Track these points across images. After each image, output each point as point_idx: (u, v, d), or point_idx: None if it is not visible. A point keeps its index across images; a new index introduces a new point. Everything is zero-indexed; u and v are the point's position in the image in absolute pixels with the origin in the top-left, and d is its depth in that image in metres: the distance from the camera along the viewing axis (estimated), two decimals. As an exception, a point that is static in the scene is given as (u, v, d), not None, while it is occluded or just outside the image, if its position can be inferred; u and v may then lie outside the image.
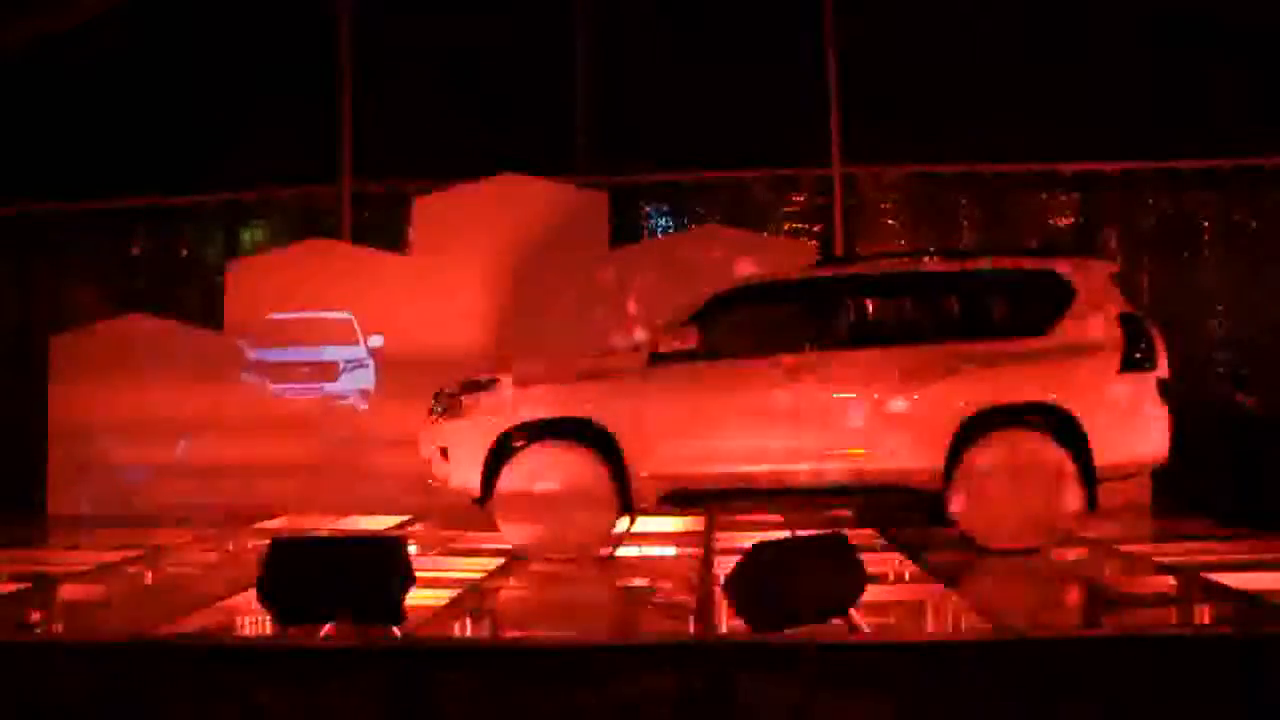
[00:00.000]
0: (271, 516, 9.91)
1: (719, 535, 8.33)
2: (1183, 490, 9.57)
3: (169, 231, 12.16)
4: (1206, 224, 11.17)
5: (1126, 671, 4.86)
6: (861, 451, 7.68)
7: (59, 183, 11.87)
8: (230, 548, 8.72)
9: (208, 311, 11.54)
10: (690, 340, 7.82)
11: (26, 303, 12.26)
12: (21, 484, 11.34)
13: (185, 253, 12.18)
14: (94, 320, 11.55)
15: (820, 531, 6.37)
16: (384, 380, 10.71)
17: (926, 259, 8.51)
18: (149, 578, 7.84)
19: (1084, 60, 10.89)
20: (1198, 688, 4.81)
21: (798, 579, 5.50)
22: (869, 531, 8.36)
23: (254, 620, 5.85)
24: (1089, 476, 7.58)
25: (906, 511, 8.24)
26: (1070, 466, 7.55)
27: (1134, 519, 9.41)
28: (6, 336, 12.21)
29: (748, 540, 6.16)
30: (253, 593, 5.74)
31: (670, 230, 11.72)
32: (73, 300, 12.13)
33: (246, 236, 12.24)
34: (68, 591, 7.07)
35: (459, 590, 6.83)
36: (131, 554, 8.24)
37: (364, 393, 10.94)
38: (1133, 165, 11.09)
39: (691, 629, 5.82)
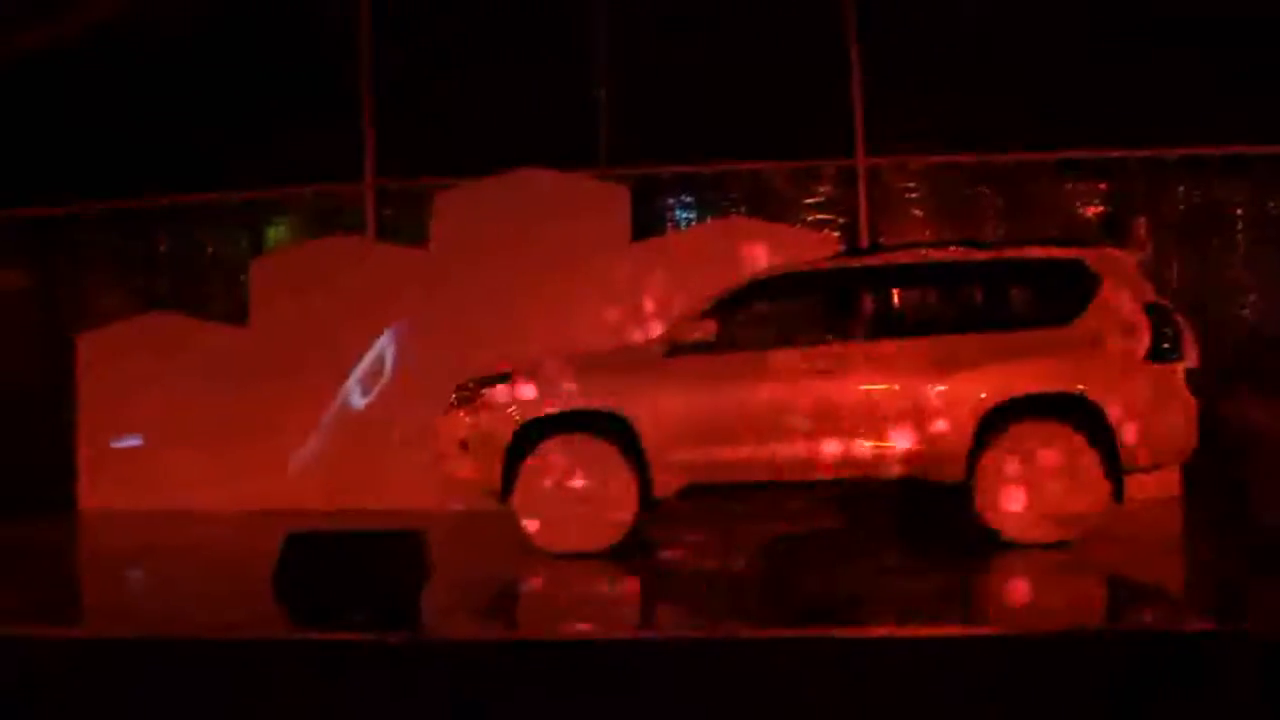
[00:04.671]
0: (294, 512, 9.95)
1: (742, 527, 8.32)
2: (1213, 482, 9.43)
3: (193, 230, 12.19)
4: (1237, 212, 10.99)
5: (1137, 667, 4.79)
6: (883, 443, 7.62)
7: (83, 183, 11.94)
8: (249, 543, 8.74)
9: (232, 309, 11.60)
10: (709, 331, 7.79)
11: (53, 303, 12.36)
12: (54, 481, 11.46)
13: (209, 251, 12.23)
14: (120, 319, 11.65)
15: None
16: (406, 375, 10.70)
17: (950, 249, 8.42)
18: (169, 573, 7.89)
19: (1109, 46, 10.71)
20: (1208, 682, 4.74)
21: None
22: (891, 523, 8.31)
23: (270, 616, 5.84)
24: (1115, 468, 7.48)
25: (930, 503, 8.15)
26: (1096, 458, 7.46)
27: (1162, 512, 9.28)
28: (34, 336, 12.31)
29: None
30: (270, 588, 5.76)
31: (693, 223, 11.66)
32: (98, 300, 12.22)
33: (270, 234, 12.26)
34: (87, 586, 7.13)
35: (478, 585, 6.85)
36: (150, 549, 8.31)
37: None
38: (1160, 152, 10.92)
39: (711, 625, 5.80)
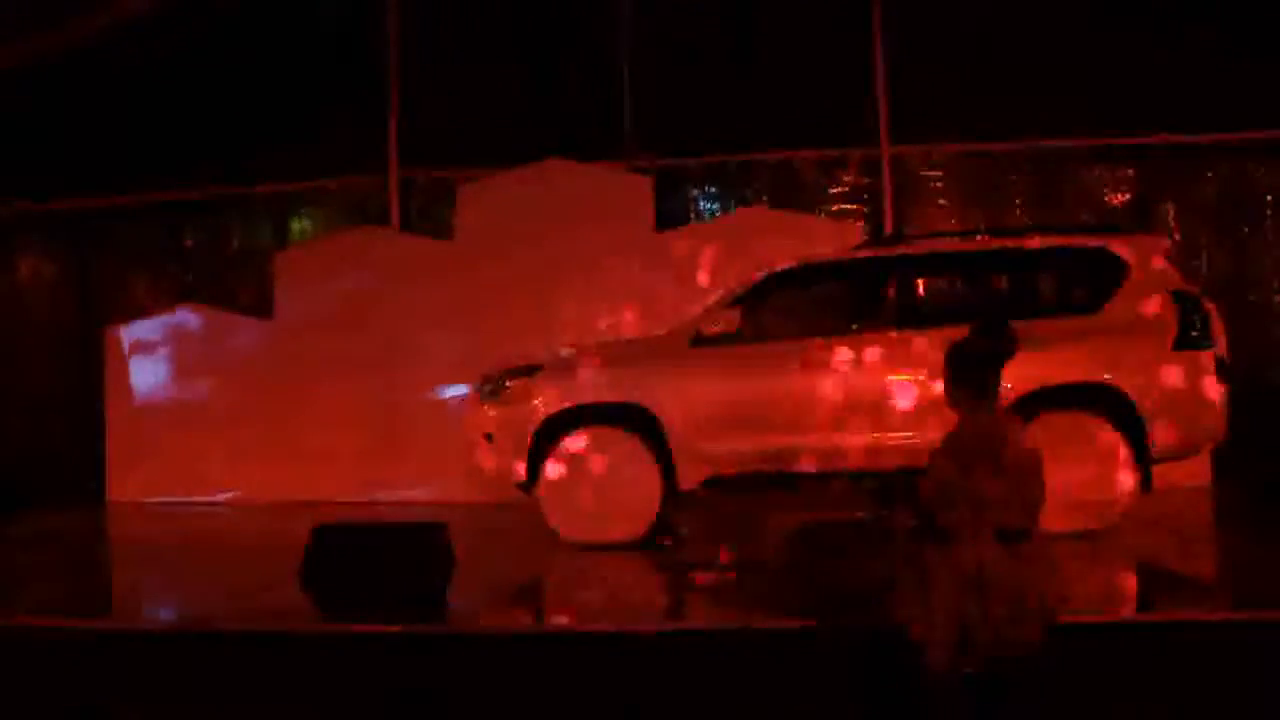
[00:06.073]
0: (320, 503, 10.01)
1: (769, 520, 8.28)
2: (1243, 470, 9.34)
3: (220, 223, 12.25)
4: (1268, 197, 10.84)
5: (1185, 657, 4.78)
6: (908, 434, 7.57)
7: (112, 177, 12.02)
8: (276, 535, 8.79)
9: (259, 301, 11.65)
10: (733, 323, 7.77)
11: (83, 295, 12.46)
12: (83, 472, 11.57)
13: (236, 244, 12.29)
14: (148, 312, 11.74)
15: (864, 514, 6.28)
16: (430, 367, 10.72)
17: (976, 238, 8.35)
18: (194, 564, 7.95)
19: (1137, 30, 10.59)
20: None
21: (846, 562, 5.45)
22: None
23: (296, 607, 5.88)
24: (1144, 457, 7.42)
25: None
26: (1124, 447, 7.39)
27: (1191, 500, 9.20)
28: (64, 328, 12.43)
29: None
30: (296, 579, 5.80)
31: (717, 213, 11.62)
32: (127, 292, 12.31)
33: (296, 227, 12.31)
34: (116, 577, 7.20)
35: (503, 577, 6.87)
36: (178, 540, 8.38)
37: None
38: (1190, 138, 10.78)
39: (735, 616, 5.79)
